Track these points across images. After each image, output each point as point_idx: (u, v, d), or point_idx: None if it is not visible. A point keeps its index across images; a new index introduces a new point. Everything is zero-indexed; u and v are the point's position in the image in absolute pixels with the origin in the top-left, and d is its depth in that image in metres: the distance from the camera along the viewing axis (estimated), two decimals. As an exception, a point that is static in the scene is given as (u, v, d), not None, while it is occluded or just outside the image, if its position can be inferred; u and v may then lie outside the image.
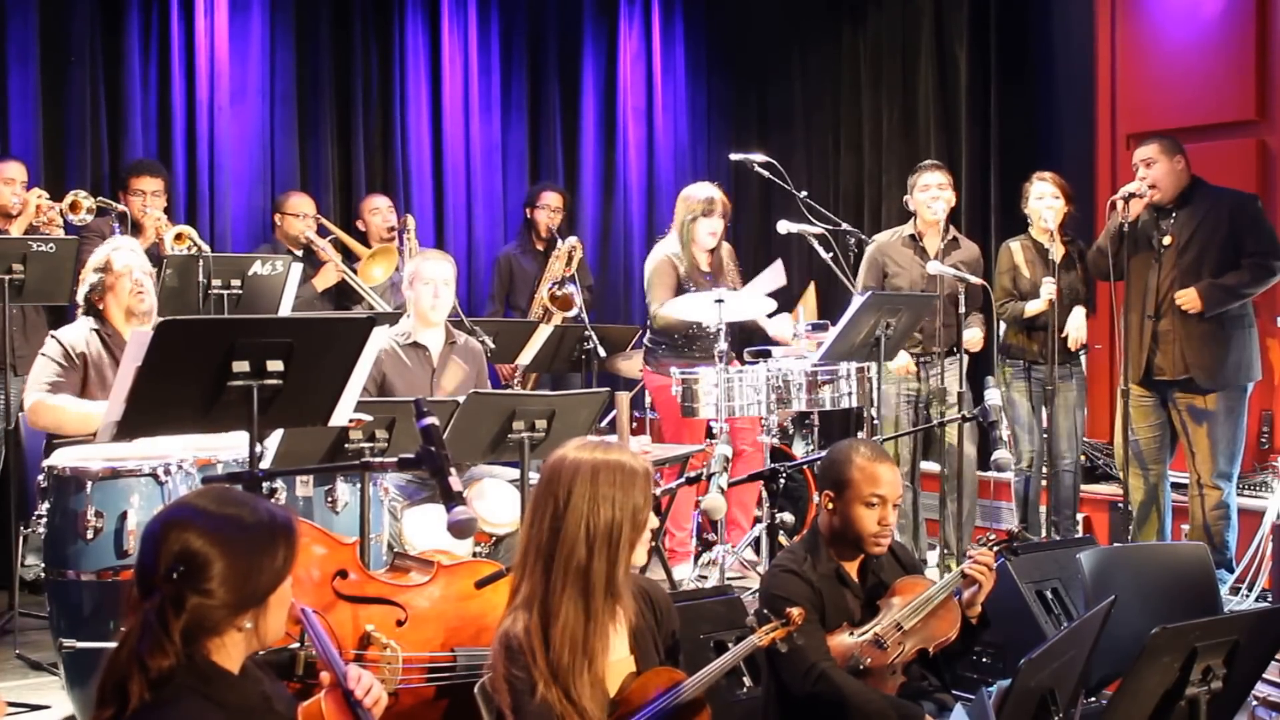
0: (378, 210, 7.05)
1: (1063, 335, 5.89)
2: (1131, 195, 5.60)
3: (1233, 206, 5.63)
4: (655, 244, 6.28)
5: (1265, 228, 5.62)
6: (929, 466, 6.54)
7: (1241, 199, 5.71)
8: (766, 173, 6.30)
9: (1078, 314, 5.94)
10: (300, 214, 6.66)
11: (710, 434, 5.92)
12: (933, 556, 6.15)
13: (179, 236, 5.82)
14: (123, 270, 4.57)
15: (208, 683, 2.20)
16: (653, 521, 2.82)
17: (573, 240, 7.14)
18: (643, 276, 6.20)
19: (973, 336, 5.93)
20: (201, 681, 2.19)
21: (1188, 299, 5.55)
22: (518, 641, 2.70)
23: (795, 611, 2.94)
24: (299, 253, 6.56)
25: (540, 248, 7.33)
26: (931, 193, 6.00)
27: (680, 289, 5.93)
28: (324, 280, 6.57)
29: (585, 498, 2.70)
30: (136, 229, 6.00)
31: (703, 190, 6.08)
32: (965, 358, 5.76)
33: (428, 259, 5.24)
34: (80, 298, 4.64)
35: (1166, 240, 5.66)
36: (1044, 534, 6.00)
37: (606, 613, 2.72)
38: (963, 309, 5.65)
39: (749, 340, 6.80)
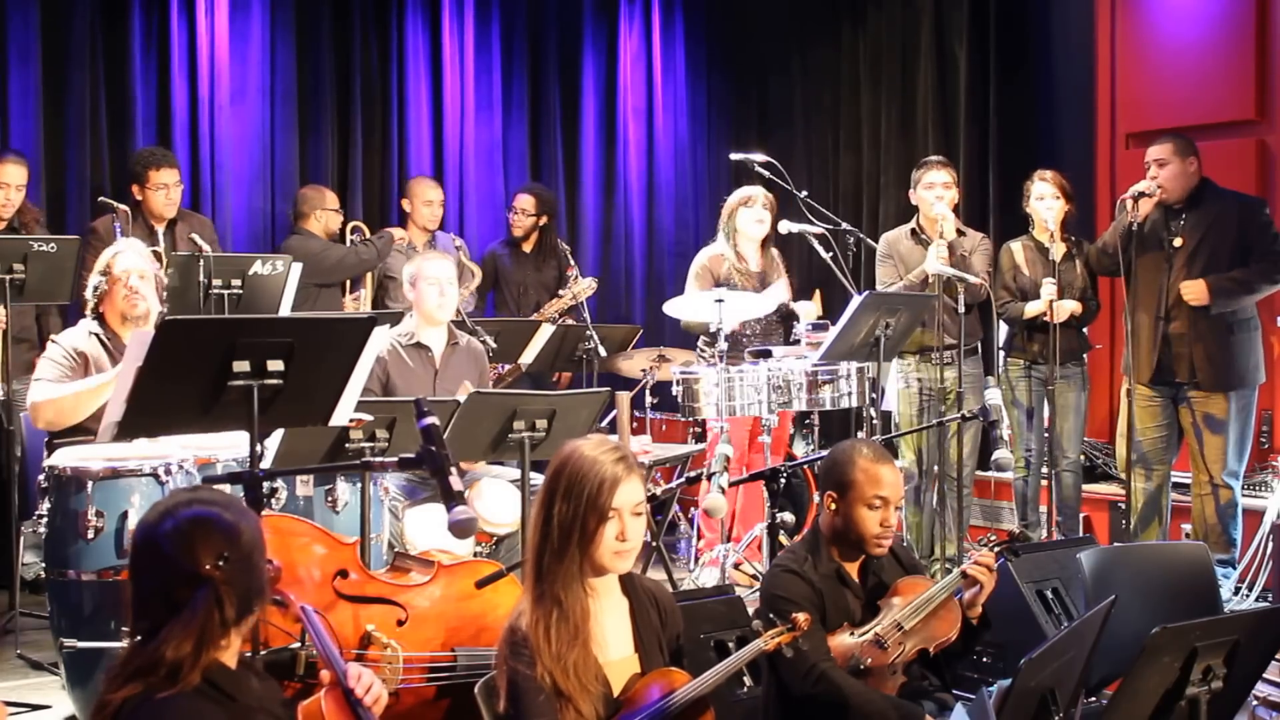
0: (431, 203, 7.12)
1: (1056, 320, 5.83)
2: (1141, 194, 5.56)
3: (1242, 210, 5.63)
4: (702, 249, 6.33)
5: (1273, 233, 5.61)
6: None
7: (1251, 203, 5.72)
8: (766, 172, 6.29)
9: (1071, 302, 5.88)
10: (327, 208, 6.79)
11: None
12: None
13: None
14: (120, 275, 4.57)
15: (210, 679, 2.22)
16: (640, 527, 2.83)
17: (589, 281, 6.94)
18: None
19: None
20: (204, 679, 2.21)
21: (1195, 291, 5.51)
22: (521, 634, 2.75)
23: (801, 617, 2.94)
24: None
25: (526, 249, 7.40)
26: (936, 191, 6.01)
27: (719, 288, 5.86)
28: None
29: (549, 490, 2.80)
30: (151, 223, 6.06)
31: (742, 190, 6.20)
32: (979, 356, 5.72)
33: (428, 259, 5.24)
34: (88, 294, 4.66)
35: (1177, 242, 5.63)
36: (1045, 534, 5.99)
37: (558, 610, 2.74)
38: (962, 308, 5.63)
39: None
